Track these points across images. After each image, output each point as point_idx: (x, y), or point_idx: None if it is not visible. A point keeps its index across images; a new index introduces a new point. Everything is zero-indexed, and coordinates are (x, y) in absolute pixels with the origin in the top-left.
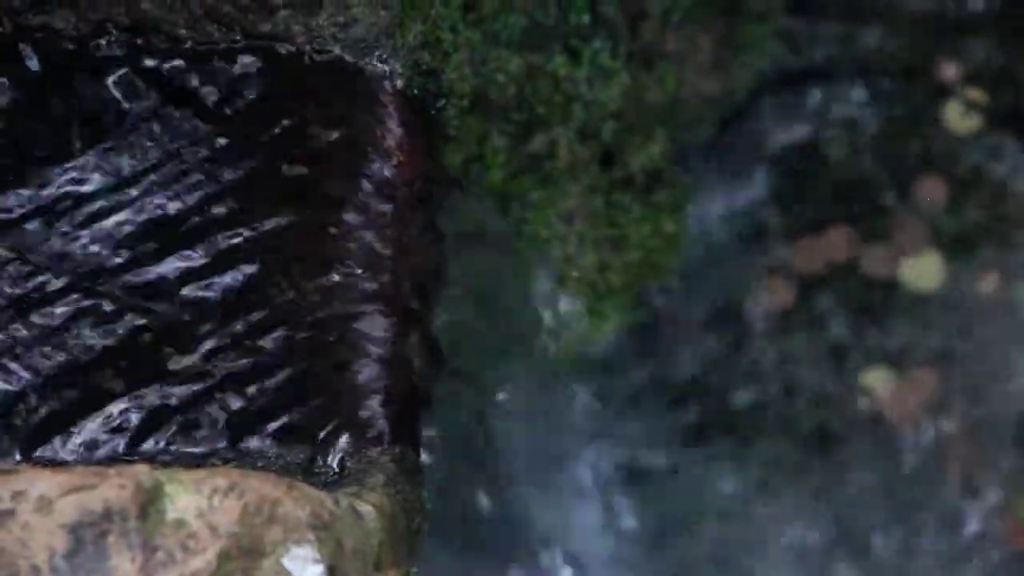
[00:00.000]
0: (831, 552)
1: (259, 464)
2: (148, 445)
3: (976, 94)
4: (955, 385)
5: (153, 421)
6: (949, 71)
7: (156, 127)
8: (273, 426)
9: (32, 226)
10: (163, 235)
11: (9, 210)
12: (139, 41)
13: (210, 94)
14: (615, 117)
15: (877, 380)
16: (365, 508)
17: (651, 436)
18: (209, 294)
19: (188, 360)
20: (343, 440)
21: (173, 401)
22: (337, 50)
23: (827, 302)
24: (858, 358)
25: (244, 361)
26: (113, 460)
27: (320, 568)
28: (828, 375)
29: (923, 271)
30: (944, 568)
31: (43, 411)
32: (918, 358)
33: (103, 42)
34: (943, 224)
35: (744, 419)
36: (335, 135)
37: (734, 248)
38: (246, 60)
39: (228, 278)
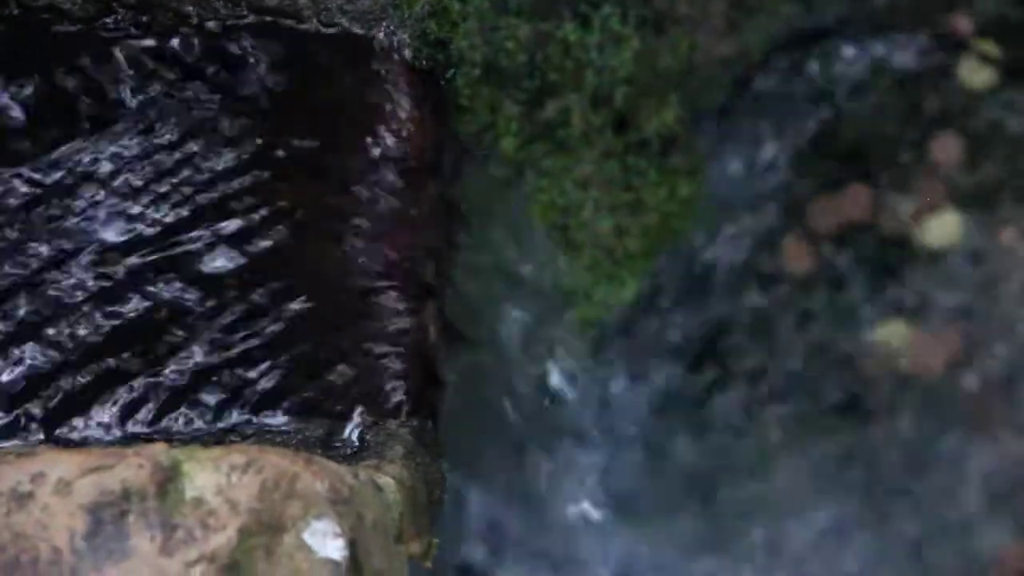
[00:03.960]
0: (857, 511)
1: (278, 439)
2: (166, 423)
3: (990, 48)
4: (977, 341)
5: (171, 399)
6: (962, 25)
7: (165, 104)
8: (291, 401)
9: (45, 205)
10: (174, 212)
11: (22, 189)
12: (145, 19)
13: (217, 70)
14: (627, 82)
15: (898, 338)
16: (385, 480)
17: (669, 400)
18: (224, 271)
19: (204, 337)
20: (361, 413)
21: (190, 378)
22: (344, 23)
23: (846, 261)
24: (878, 316)
25: (260, 337)
26: (131, 439)
27: (341, 542)
28: (849, 334)
29: (941, 228)
30: (973, 523)
31: (61, 391)
32: (939, 315)
33: (109, 21)
34: (960, 180)
35: (765, 380)
36: (344, 109)
37: (751, 209)
38: (253, 35)
39: (242, 254)
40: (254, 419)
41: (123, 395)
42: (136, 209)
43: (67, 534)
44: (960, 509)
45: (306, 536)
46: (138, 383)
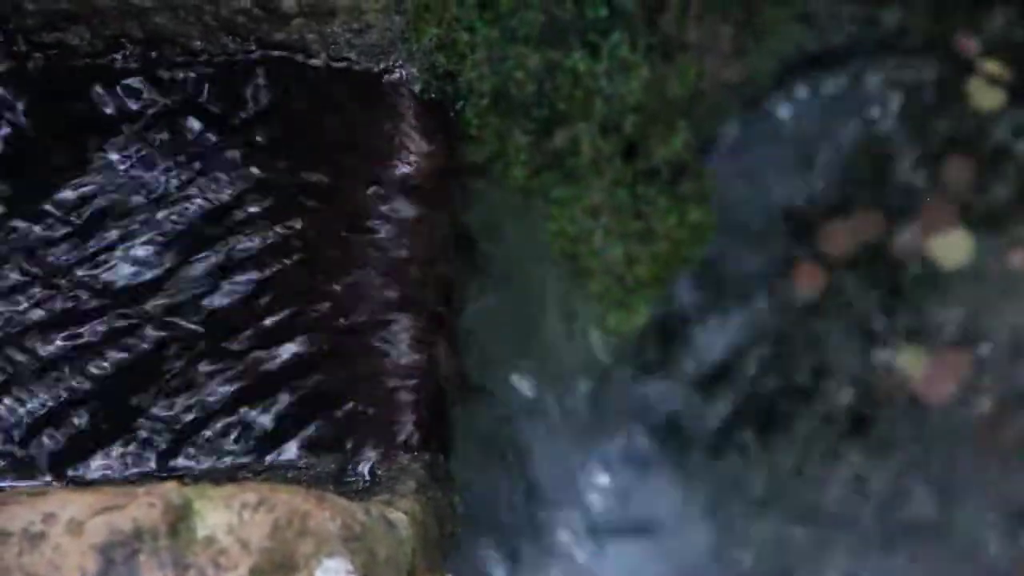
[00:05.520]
0: (871, 534)
1: (290, 475)
2: (177, 460)
3: (999, 69)
4: (989, 362)
5: (182, 435)
6: (971, 47)
7: (174, 139)
8: (302, 436)
9: (53, 241)
10: (185, 246)
11: (31, 227)
12: (154, 54)
13: (227, 104)
14: (636, 110)
15: (910, 360)
16: (397, 516)
17: (684, 424)
18: (234, 305)
19: (214, 372)
20: (373, 448)
21: (201, 415)
22: (352, 57)
23: (857, 283)
24: (890, 339)
25: (271, 372)
26: (143, 477)
27: None
28: (861, 357)
29: (952, 249)
30: (990, 544)
31: (72, 430)
32: (950, 336)
33: (118, 56)
34: (970, 201)
35: (778, 404)
36: (353, 142)
37: (762, 234)
38: (261, 69)
39: (252, 289)
40: (265, 455)
41: (134, 432)
42: (145, 244)
43: (79, 574)
44: (975, 528)
45: (318, 574)
46: (149, 420)
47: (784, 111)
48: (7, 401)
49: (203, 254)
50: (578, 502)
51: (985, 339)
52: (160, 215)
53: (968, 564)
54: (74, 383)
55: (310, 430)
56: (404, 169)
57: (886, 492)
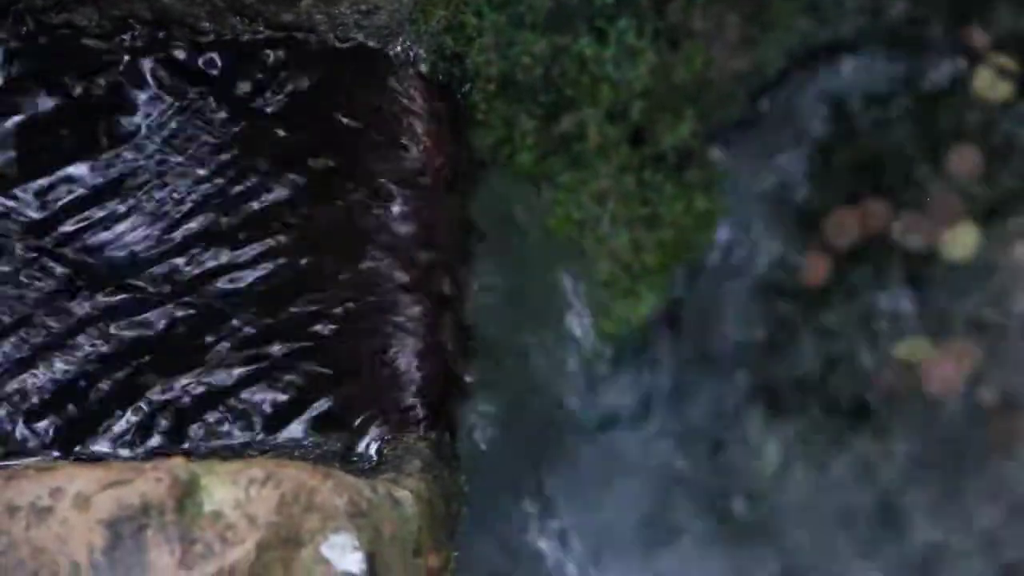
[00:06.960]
0: (874, 522)
1: (296, 453)
2: (185, 438)
3: (1006, 61)
4: (994, 354)
5: (190, 413)
6: (978, 39)
7: (182, 119)
8: (310, 415)
9: (64, 221)
10: (193, 227)
11: (44, 205)
12: (162, 35)
13: (234, 85)
14: (643, 96)
15: (916, 351)
16: (403, 494)
17: (691, 412)
18: (242, 285)
19: (223, 352)
20: (379, 427)
21: (209, 393)
22: (360, 38)
23: (863, 274)
24: (896, 330)
25: (279, 352)
26: (150, 454)
27: (359, 555)
28: (866, 347)
29: (958, 241)
30: (990, 534)
31: (80, 407)
32: (956, 328)
33: (127, 37)
34: (977, 193)
35: (783, 393)
36: (361, 123)
37: (768, 223)
38: (268, 50)
39: (260, 269)
40: (272, 433)
41: (142, 410)
42: (154, 225)
43: (86, 548)
44: (980, 522)
45: (324, 549)
46: (157, 398)
47: (791, 101)
48: (16, 377)
49: (210, 235)
50: (584, 491)
51: (991, 330)
52: (168, 195)
53: (972, 556)
54: (82, 361)
55: (317, 410)
56: (411, 151)
57: (892, 482)
